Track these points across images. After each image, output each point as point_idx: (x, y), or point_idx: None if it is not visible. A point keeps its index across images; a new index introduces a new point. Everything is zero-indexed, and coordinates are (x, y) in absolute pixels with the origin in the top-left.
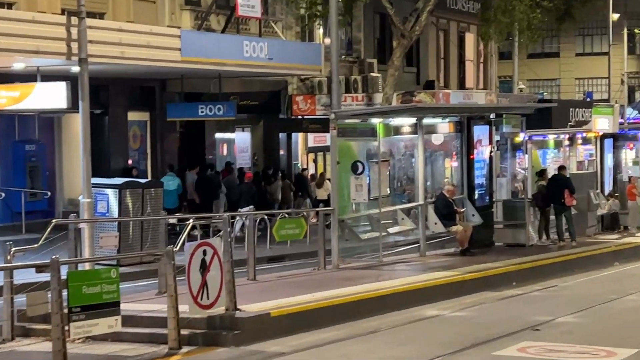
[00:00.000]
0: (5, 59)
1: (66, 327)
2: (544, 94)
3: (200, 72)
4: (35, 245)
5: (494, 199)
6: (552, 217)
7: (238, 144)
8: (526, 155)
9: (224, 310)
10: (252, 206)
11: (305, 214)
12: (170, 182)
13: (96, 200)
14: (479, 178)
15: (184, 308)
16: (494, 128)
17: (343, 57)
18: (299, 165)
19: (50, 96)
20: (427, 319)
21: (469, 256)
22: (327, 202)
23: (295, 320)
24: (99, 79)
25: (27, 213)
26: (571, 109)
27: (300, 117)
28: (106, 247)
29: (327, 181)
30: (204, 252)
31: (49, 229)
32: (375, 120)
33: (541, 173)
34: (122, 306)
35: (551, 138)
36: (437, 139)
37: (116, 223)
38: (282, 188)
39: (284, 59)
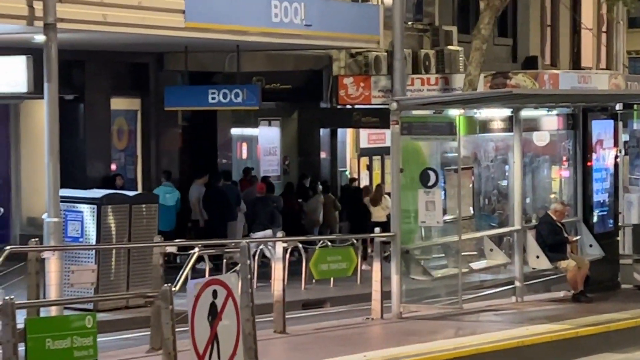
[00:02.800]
0: None
1: None
2: None
3: (212, 43)
4: None
5: (620, 224)
6: None
7: (263, 143)
8: None
9: None
10: (275, 230)
11: (355, 241)
12: (168, 196)
13: (66, 220)
14: (600, 194)
15: None
16: (620, 124)
17: (410, 23)
18: (347, 173)
19: (4, 75)
20: None
21: (584, 303)
22: (385, 226)
23: None
24: (72, 52)
25: None
26: None
27: (349, 106)
28: (79, 286)
29: (387, 197)
30: (214, 294)
31: (0, 259)
32: (454, 112)
33: None
34: None
35: None
36: (540, 139)
37: (93, 252)
38: (324, 205)
39: (328, 25)
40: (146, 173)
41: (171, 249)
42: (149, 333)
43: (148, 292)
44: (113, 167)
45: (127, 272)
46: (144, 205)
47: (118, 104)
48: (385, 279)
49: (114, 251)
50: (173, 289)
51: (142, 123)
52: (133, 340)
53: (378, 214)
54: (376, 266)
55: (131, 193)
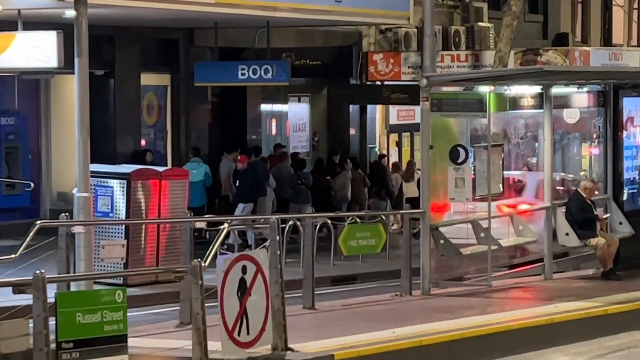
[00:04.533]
0: None
1: None
2: None
3: (241, 19)
4: (13, 256)
5: None
6: None
7: (292, 119)
8: None
9: (270, 349)
10: (305, 207)
11: (384, 218)
12: (195, 171)
13: (96, 195)
14: (630, 171)
15: (215, 346)
16: None
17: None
18: (377, 150)
19: (35, 51)
20: None
21: (614, 280)
22: (416, 202)
23: None
24: (102, 27)
25: (1, 211)
26: None
27: (379, 83)
28: (109, 260)
29: (419, 172)
30: (244, 270)
31: (31, 234)
32: (484, 89)
33: None
34: (131, 341)
35: None
36: (570, 116)
37: (123, 227)
38: (353, 182)
39: (358, 1)
40: (176, 148)
41: (201, 224)
42: (178, 308)
43: (178, 267)
44: (143, 142)
45: (156, 248)
46: (174, 181)
47: (148, 79)
48: (414, 256)
49: (144, 227)
50: (203, 264)
51: (171, 99)
52: (162, 315)
53: (411, 190)
54: (405, 244)
55: (161, 168)
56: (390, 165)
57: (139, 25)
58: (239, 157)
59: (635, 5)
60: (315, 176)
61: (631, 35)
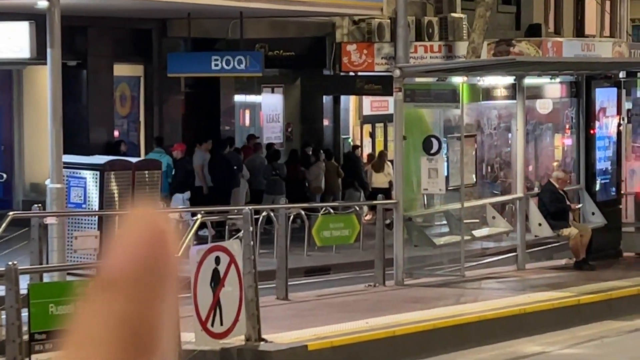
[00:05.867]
0: None
1: None
2: None
3: (215, 9)
4: None
5: (622, 192)
6: None
7: (265, 110)
8: None
9: (243, 340)
10: (278, 197)
11: (357, 208)
12: None
13: (69, 186)
14: (602, 162)
15: (188, 336)
16: (624, 92)
17: None
18: (350, 141)
19: (7, 41)
20: (527, 358)
21: (586, 271)
22: (388, 193)
23: (342, 356)
24: (74, 18)
25: None
26: None
27: (352, 73)
28: (82, 251)
29: (389, 163)
30: (217, 260)
31: (3, 225)
32: (458, 80)
33: None
34: None
35: None
36: (543, 107)
37: (96, 218)
38: (326, 172)
39: None
40: (149, 139)
41: (174, 215)
42: None
43: None
44: (116, 133)
45: None
46: (147, 172)
47: (121, 70)
48: (388, 246)
49: (116, 217)
50: (176, 255)
51: (144, 89)
52: None
53: (380, 180)
54: (378, 234)
55: (134, 159)
56: (366, 157)
57: (111, 16)
58: (176, 144)
59: None
60: (289, 167)
61: (604, 26)
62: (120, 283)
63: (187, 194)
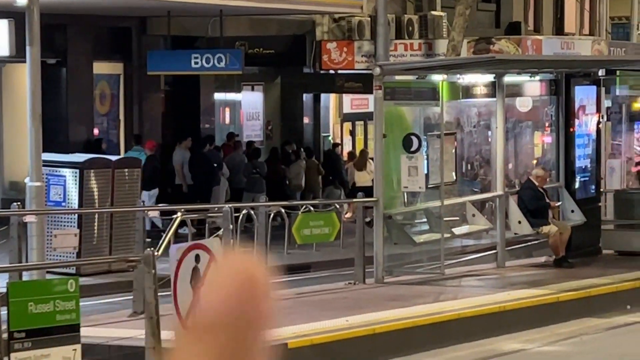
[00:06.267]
0: None
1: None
2: None
3: (194, 7)
4: None
5: (602, 189)
6: None
7: (246, 108)
8: None
9: None
10: (259, 195)
11: (338, 206)
12: None
13: (48, 185)
14: (582, 159)
15: (168, 335)
16: (603, 90)
17: None
18: (330, 139)
19: None
20: (506, 356)
21: (566, 268)
22: (370, 191)
23: (322, 354)
24: (54, 16)
25: None
26: None
27: (332, 71)
28: (62, 250)
29: (371, 162)
30: (197, 258)
31: None
32: (437, 78)
33: None
34: (83, 331)
35: None
36: (523, 105)
37: (76, 216)
38: (307, 170)
39: None
40: (129, 137)
41: (153, 213)
42: (131, 297)
43: (130, 256)
44: (96, 131)
45: (109, 237)
46: (127, 170)
47: (100, 68)
48: (368, 244)
49: (96, 215)
50: (156, 253)
51: (124, 87)
52: (116, 305)
53: (364, 179)
54: (358, 232)
55: (114, 157)
56: (346, 155)
57: (91, 14)
58: (147, 141)
59: None
60: (270, 165)
61: (583, 24)
62: (214, 329)
63: (154, 191)
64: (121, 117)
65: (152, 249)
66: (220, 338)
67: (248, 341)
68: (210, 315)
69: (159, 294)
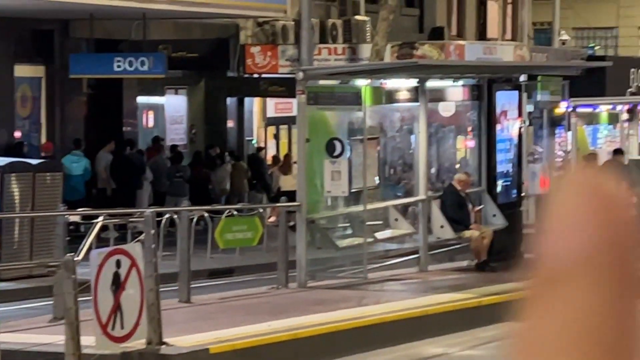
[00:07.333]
0: None
1: None
2: (596, 48)
3: (117, 10)
4: None
5: (523, 194)
6: None
7: (169, 112)
8: (569, 133)
9: (144, 344)
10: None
11: (261, 211)
12: (75, 165)
13: None
14: (504, 164)
15: (89, 340)
16: (525, 95)
17: None
18: (254, 142)
19: None
20: None
21: (488, 272)
22: (294, 195)
23: (244, 359)
24: None
25: None
26: (632, 70)
27: (256, 75)
28: None
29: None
30: (118, 264)
31: None
32: (361, 82)
33: (590, 158)
34: (3, 337)
35: (604, 110)
36: (446, 110)
37: None
38: (234, 174)
39: None
40: (51, 141)
41: (75, 218)
42: (52, 302)
43: (51, 261)
44: (17, 134)
45: (30, 241)
46: (49, 174)
47: (22, 71)
48: (291, 248)
49: (16, 220)
50: (76, 258)
51: (46, 90)
52: (36, 310)
53: (289, 183)
54: (281, 236)
55: (36, 161)
56: (270, 158)
57: (12, 16)
58: (44, 144)
59: (510, 1)
60: (193, 169)
61: (505, 29)
62: (579, 267)
63: None
64: (43, 120)
65: (72, 254)
66: (593, 279)
67: (632, 282)
68: (572, 252)
69: (79, 299)
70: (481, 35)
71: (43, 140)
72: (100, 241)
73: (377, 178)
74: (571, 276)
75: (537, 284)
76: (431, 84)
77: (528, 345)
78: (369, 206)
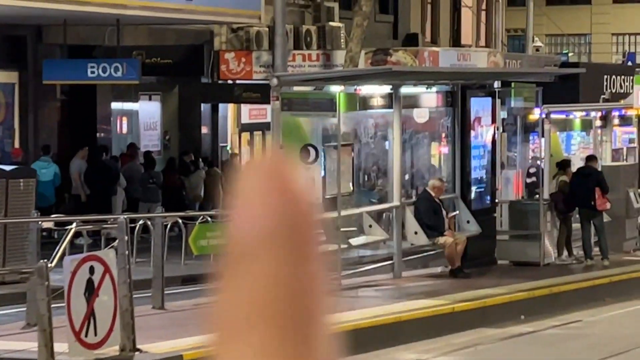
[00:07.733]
0: None
1: None
2: (569, 54)
3: (91, 16)
4: None
5: (497, 200)
6: (577, 225)
7: (143, 118)
8: (543, 140)
9: (118, 351)
10: (155, 206)
11: None
12: (45, 171)
13: None
14: (477, 170)
15: (62, 347)
16: (498, 101)
17: None
18: (229, 148)
19: None
20: None
21: (462, 278)
22: None
23: None
24: None
25: None
26: (606, 77)
27: (230, 82)
28: None
29: None
30: (91, 270)
31: None
32: (335, 89)
33: (563, 165)
34: None
35: (578, 116)
36: (420, 116)
37: None
38: (208, 180)
39: (209, 0)
40: (24, 147)
41: (48, 224)
42: (25, 309)
43: (24, 267)
44: None
45: (3, 248)
46: (22, 181)
47: None
48: None
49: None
50: (49, 264)
51: (19, 96)
52: (9, 317)
53: None
54: None
55: (8, 167)
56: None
57: None
58: (13, 149)
59: (483, 7)
60: (167, 175)
61: (479, 36)
62: (261, 244)
63: None
64: (16, 126)
65: (45, 260)
66: (275, 252)
67: (308, 254)
68: (257, 229)
69: (53, 305)
70: (455, 41)
71: (17, 146)
72: (74, 247)
73: (351, 184)
74: (256, 252)
75: (229, 261)
76: (405, 90)
77: (221, 318)
78: (343, 212)
